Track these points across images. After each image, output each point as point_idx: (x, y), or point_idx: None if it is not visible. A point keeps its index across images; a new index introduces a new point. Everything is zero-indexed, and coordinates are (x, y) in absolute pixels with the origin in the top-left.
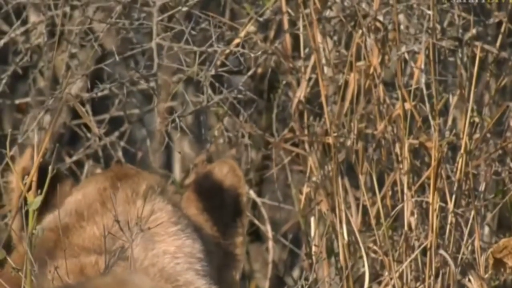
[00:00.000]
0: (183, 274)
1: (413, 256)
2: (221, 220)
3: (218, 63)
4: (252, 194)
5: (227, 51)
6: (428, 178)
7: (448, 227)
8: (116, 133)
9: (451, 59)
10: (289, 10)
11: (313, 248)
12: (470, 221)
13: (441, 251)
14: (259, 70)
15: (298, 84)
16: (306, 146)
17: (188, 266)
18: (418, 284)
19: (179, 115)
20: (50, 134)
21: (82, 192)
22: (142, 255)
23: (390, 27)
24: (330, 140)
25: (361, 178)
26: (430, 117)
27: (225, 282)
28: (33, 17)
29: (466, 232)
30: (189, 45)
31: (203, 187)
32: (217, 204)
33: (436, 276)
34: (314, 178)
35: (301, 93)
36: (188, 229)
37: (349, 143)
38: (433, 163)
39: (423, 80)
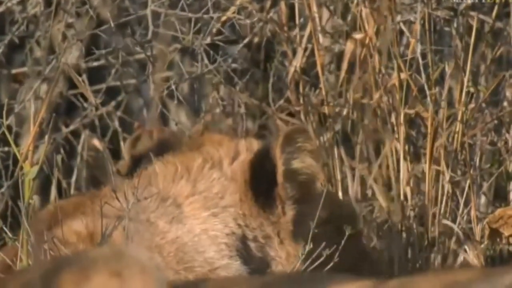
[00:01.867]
0: (204, 253)
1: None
2: (261, 193)
3: (214, 31)
4: None
5: (223, 18)
6: (424, 147)
7: (444, 197)
8: (113, 103)
9: (446, 29)
10: None
11: None
12: (466, 190)
13: (445, 221)
14: (255, 39)
15: (294, 54)
16: (302, 116)
17: (212, 247)
18: (413, 253)
19: (175, 83)
20: (46, 104)
21: (159, 161)
22: (166, 228)
23: None
24: (326, 110)
25: (357, 148)
26: (426, 87)
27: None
28: None
29: (462, 202)
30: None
31: (258, 168)
32: (260, 175)
33: (432, 246)
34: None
35: (297, 63)
36: (223, 213)
37: (345, 112)
38: (430, 131)
39: (418, 50)
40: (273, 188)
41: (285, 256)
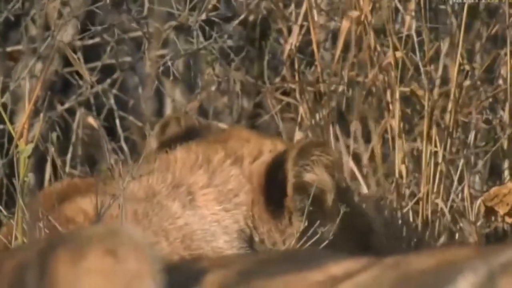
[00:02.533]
0: (212, 242)
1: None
2: (272, 201)
3: (209, 7)
4: None
5: None
6: (419, 126)
7: (438, 175)
8: (108, 81)
9: (442, 6)
10: None
11: None
12: (460, 168)
13: (437, 201)
14: (251, 17)
15: (290, 31)
16: (297, 94)
17: (222, 237)
18: (408, 231)
19: (170, 60)
20: (41, 81)
21: (182, 148)
22: (178, 213)
23: None
24: (321, 87)
25: (352, 126)
26: (420, 65)
27: None
28: None
29: (456, 180)
30: None
31: (272, 176)
32: (272, 183)
33: (427, 224)
34: (305, 126)
35: (292, 40)
36: (235, 210)
37: (340, 90)
38: (426, 109)
39: (414, 27)
40: (283, 198)
41: None
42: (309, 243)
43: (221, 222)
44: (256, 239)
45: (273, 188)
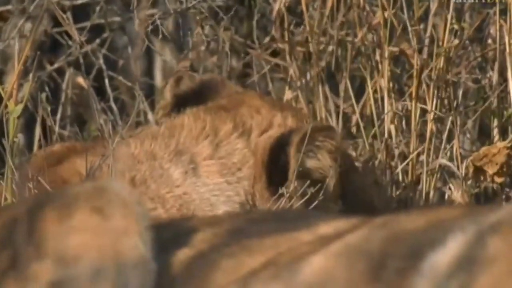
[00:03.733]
0: (210, 212)
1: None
2: (273, 182)
3: None
4: None
5: None
6: (408, 85)
7: (428, 134)
8: (98, 41)
9: None
10: None
11: None
12: (449, 128)
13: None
14: None
15: None
16: (287, 54)
17: (222, 207)
18: (398, 191)
19: (160, 18)
20: (31, 41)
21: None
22: (179, 180)
23: None
24: (310, 47)
25: (341, 85)
26: (408, 24)
27: None
28: None
29: (445, 139)
30: None
31: (275, 157)
32: (275, 165)
33: (416, 184)
34: (294, 85)
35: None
36: (237, 183)
37: (329, 49)
38: (415, 68)
39: None
40: (284, 181)
41: None
42: None
43: (222, 192)
44: None
45: (275, 169)
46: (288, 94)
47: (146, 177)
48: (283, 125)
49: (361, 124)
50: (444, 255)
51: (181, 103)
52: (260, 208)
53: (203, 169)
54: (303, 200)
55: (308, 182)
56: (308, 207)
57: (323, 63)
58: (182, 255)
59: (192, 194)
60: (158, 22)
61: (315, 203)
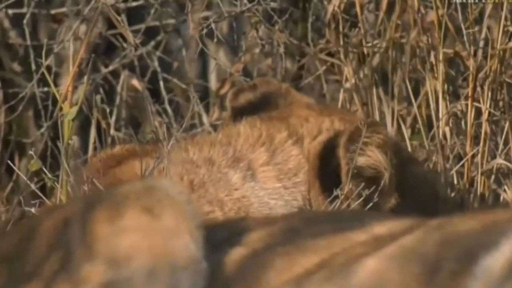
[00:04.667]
0: (271, 214)
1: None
2: (327, 186)
3: None
4: None
5: None
6: (463, 87)
7: (482, 136)
8: (152, 43)
9: None
10: None
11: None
12: (506, 130)
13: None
14: None
15: None
16: (342, 56)
17: (280, 210)
18: (453, 193)
19: (214, 22)
20: (85, 44)
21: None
22: (237, 184)
23: None
24: (365, 49)
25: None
26: (462, 26)
27: None
28: None
29: (501, 142)
30: None
31: (325, 162)
32: (326, 169)
33: (471, 185)
34: (349, 86)
35: (336, 1)
36: (294, 188)
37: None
38: (471, 70)
39: None
40: (338, 183)
41: None
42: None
43: (281, 196)
44: None
45: (327, 174)
46: (342, 96)
47: (204, 181)
48: (331, 129)
49: (417, 126)
50: (498, 258)
51: (240, 114)
52: (314, 209)
53: (261, 174)
54: (359, 200)
55: (363, 182)
56: (366, 207)
57: (377, 65)
58: (236, 254)
59: (251, 197)
60: (212, 25)
61: (372, 202)
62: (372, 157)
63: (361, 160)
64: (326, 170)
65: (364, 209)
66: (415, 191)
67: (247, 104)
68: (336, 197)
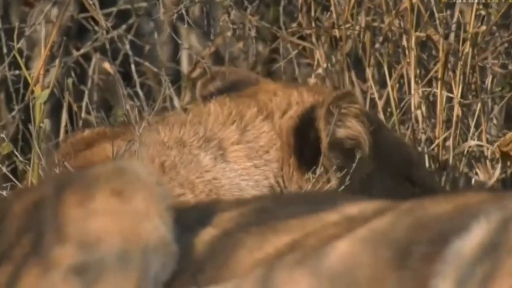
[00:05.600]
0: (242, 195)
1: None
2: (304, 160)
3: None
4: None
5: None
6: (435, 71)
7: (454, 119)
8: (124, 26)
9: None
10: None
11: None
12: (477, 113)
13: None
14: None
15: None
16: (314, 39)
17: (251, 191)
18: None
19: (186, 6)
20: (57, 27)
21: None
22: (209, 165)
23: None
24: (337, 33)
25: (368, 71)
26: (435, 10)
27: None
28: None
29: (472, 125)
30: None
31: (302, 136)
32: (304, 143)
33: (443, 168)
34: (321, 71)
35: None
36: (265, 166)
37: (356, 35)
38: (440, 54)
39: None
40: (317, 157)
41: None
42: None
43: (251, 177)
44: None
45: (304, 148)
46: (314, 80)
47: (176, 163)
48: (301, 102)
49: (389, 110)
50: (469, 242)
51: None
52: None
53: (232, 154)
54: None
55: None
56: (345, 179)
57: (349, 49)
58: (207, 234)
59: (222, 179)
60: (183, 10)
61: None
62: (351, 128)
63: (340, 132)
64: (303, 144)
65: (336, 191)
66: (388, 154)
67: (216, 92)
68: (315, 171)
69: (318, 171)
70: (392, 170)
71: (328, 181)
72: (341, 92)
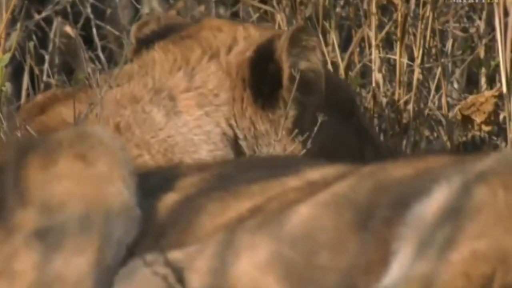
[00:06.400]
0: (194, 154)
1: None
2: (261, 93)
3: None
4: None
5: None
6: (396, 34)
7: (414, 82)
8: None
9: None
10: None
11: None
12: (437, 77)
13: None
14: None
15: None
16: (274, 3)
17: (204, 146)
18: (386, 140)
19: None
20: None
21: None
22: (162, 122)
23: None
24: None
25: (330, 35)
26: None
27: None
28: None
29: (433, 87)
30: None
31: (260, 69)
32: (262, 75)
33: (405, 132)
34: None
35: None
36: (216, 113)
37: None
38: (399, 19)
39: None
40: (276, 89)
41: (281, 150)
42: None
43: (202, 128)
44: (240, 136)
45: (261, 82)
46: None
47: (130, 123)
48: (248, 37)
49: (350, 74)
50: (430, 206)
51: (145, 46)
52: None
53: (182, 103)
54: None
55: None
56: (305, 110)
57: (310, 12)
58: (169, 199)
59: (176, 136)
60: None
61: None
62: (311, 60)
63: (302, 64)
64: (260, 77)
65: (298, 156)
66: (334, 91)
67: (152, 34)
68: (272, 105)
69: (273, 102)
70: (338, 107)
71: (286, 113)
72: (299, 25)
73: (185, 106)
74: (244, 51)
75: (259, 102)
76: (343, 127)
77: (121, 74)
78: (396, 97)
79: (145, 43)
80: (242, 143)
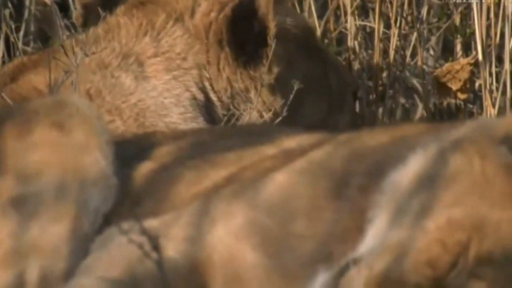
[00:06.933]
0: (165, 117)
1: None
2: (243, 52)
3: None
4: None
5: None
6: (371, 2)
7: (391, 50)
8: None
9: None
10: None
11: None
12: (413, 44)
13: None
14: None
15: None
16: None
17: (174, 109)
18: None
19: None
20: None
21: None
22: (131, 88)
23: None
24: None
25: (306, 1)
26: None
27: None
28: None
29: (408, 55)
30: None
31: (241, 28)
32: (244, 33)
33: (381, 99)
34: None
35: None
36: (185, 76)
37: None
38: None
39: None
40: (259, 47)
41: (261, 105)
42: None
43: (171, 92)
44: (214, 98)
45: (243, 40)
46: None
47: (100, 89)
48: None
49: (326, 41)
50: (405, 173)
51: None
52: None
53: (150, 68)
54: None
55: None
56: (291, 67)
57: None
58: (145, 168)
59: (146, 100)
60: None
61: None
62: (296, 18)
63: (287, 23)
64: (241, 36)
65: (273, 124)
66: (296, 25)
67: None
68: (255, 62)
69: (262, 61)
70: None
71: (270, 70)
72: None
73: (153, 71)
74: (208, 12)
75: (240, 60)
76: (310, 63)
77: (87, 40)
78: (373, 64)
79: (91, 9)
80: (216, 105)
